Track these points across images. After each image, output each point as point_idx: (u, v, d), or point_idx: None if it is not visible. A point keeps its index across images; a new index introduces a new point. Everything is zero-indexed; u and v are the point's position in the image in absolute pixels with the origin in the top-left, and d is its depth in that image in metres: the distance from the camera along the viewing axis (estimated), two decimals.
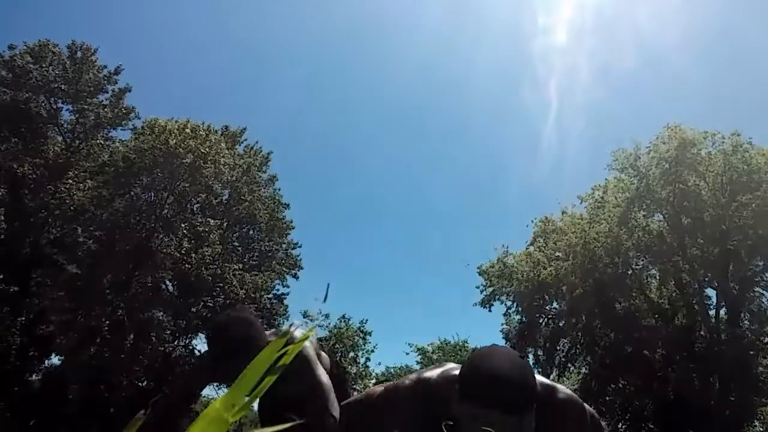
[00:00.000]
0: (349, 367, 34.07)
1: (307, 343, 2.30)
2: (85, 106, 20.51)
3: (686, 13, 38.48)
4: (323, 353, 2.58)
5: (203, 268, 19.87)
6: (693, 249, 20.22)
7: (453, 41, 53.55)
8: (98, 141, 20.98)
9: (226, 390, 0.47)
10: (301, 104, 52.33)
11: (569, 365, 23.58)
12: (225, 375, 2.17)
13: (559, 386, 1.63)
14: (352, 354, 34.24)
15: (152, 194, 20.19)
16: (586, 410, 1.68)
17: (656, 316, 20.73)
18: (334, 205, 51.08)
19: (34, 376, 19.38)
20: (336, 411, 2.10)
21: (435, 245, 53.95)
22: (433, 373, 1.67)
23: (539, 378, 1.54)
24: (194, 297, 20.69)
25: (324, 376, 2.23)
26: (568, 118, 42.76)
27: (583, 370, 23.48)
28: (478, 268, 23.79)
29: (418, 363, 29.73)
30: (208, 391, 23.89)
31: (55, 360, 19.68)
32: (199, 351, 21.85)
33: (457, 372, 1.51)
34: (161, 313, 20.48)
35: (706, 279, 20.37)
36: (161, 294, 20.54)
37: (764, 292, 20.13)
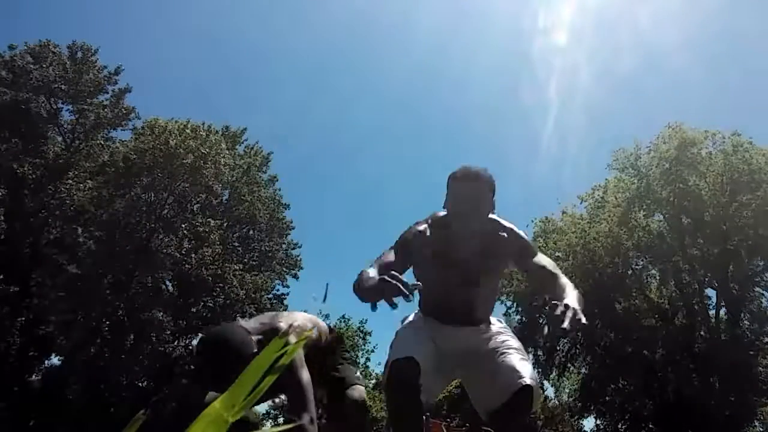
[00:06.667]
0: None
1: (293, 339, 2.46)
2: (85, 107, 20.51)
3: (686, 13, 38.49)
4: (320, 322, 2.73)
5: (203, 268, 19.86)
6: (693, 249, 20.21)
7: (453, 41, 53.58)
8: (98, 141, 20.99)
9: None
10: (302, 104, 52.23)
11: (569, 365, 23.55)
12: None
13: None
14: (352, 354, 34.33)
15: (152, 194, 20.16)
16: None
17: (656, 316, 20.71)
18: (334, 205, 51.05)
19: (34, 376, 19.37)
20: (313, 411, 2.22)
21: None
22: None
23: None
24: (194, 297, 20.66)
25: (305, 375, 2.29)
26: (568, 118, 42.69)
27: (583, 370, 23.46)
28: None
29: None
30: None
31: (55, 360, 19.70)
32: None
33: None
34: (161, 313, 20.44)
35: (706, 279, 20.35)
36: (161, 294, 20.50)
37: (764, 292, 20.13)
